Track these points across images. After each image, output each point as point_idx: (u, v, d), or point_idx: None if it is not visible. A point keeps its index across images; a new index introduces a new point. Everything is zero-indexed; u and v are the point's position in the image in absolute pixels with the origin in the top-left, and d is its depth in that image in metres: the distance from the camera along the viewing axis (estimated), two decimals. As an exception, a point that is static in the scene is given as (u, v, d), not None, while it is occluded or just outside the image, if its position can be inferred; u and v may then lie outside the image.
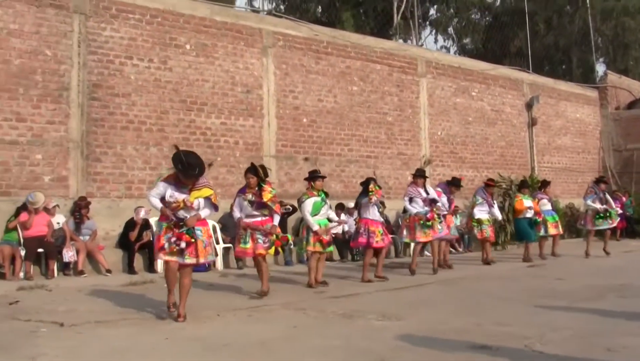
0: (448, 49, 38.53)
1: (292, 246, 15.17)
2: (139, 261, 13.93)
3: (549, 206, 16.74)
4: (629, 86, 29.67)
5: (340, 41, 18.81)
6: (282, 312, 8.83)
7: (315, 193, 11.62)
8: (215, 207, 8.33)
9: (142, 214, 13.74)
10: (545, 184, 17.48)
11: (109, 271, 13.21)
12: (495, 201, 16.04)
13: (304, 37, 18.00)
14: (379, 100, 19.50)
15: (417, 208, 13.33)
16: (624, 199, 23.44)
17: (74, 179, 13.87)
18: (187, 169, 7.83)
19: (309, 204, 11.51)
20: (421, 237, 13.28)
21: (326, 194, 11.92)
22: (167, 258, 7.95)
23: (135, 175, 14.64)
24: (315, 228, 11.36)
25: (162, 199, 8.03)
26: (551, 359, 5.83)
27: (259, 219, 10.04)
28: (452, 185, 15.15)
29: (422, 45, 30.37)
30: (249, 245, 9.95)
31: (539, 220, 16.06)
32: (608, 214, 16.59)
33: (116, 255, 13.88)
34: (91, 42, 14.31)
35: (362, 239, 12.39)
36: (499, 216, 16.24)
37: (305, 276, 11.67)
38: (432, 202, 13.39)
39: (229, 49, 16.39)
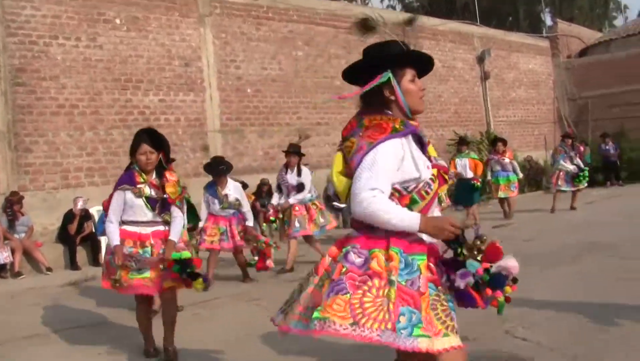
0: (394, 8, 37.80)
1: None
2: (82, 254, 13.03)
3: (498, 167, 15.54)
4: (580, 34, 29.21)
5: (281, 5, 17.86)
6: (233, 306, 8.03)
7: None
8: None
9: (80, 204, 12.80)
10: (494, 142, 16.37)
11: (49, 269, 12.28)
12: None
13: (243, 2, 17.00)
14: (325, 64, 18.63)
15: (275, 198, 11.09)
16: (581, 148, 23.00)
17: (3, 172, 12.83)
18: None
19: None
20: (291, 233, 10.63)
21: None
22: None
23: (71, 163, 13.63)
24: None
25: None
26: (541, 349, 5.11)
27: (161, 228, 5.97)
28: None
29: (367, 4, 29.53)
30: (149, 275, 5.74)
31: (475, 185, 14.28)
32: (582, 175, 16.03)
33: (57, 251, 12.94)
34: (10, 22, 13.18)
35: None
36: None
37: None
38: (298, 188, 10.60)
39: (162, 20, 15.37)
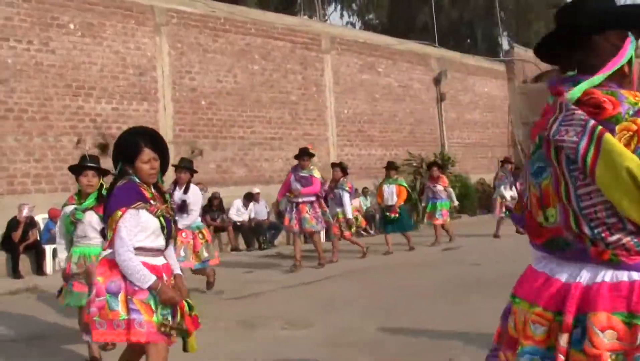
0: (354, 25, 37.95)
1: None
2: (25, 263, 12.70)
3: (430, 193, 15.19)
4: (535, 59, 29.55)
5: (239, 17, 17.79)
6: (176, 322, 7.85)
7: (75, 198, 6.36)
8: None
9: (25, 211, 12.47)
10: (429, 167, 15.86)
11: (-11, 277, 11.99)
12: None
13: (200, 13, 16.90)
14: (281, 78, 18.59)
15: None
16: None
17: (-54, 176, 12.56)
18: None
19: (61, 219, 6.49)
20: None
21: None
22: None
23: (18, 169, 13.37)
24: (62, 255, 6.44)
25: None
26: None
27: (164, 260, 4.46)
28: (298, 158, 12.01)
29: (327, 21, 29.63)
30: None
31: (389, 216, 13.87)
32: None
33: (-2, 258, 12.65)
34: (-40, 23, 12.96)
35: None
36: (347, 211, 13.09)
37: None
38: (180, 207, 8.85)
39: (118, 28, 15.18)
